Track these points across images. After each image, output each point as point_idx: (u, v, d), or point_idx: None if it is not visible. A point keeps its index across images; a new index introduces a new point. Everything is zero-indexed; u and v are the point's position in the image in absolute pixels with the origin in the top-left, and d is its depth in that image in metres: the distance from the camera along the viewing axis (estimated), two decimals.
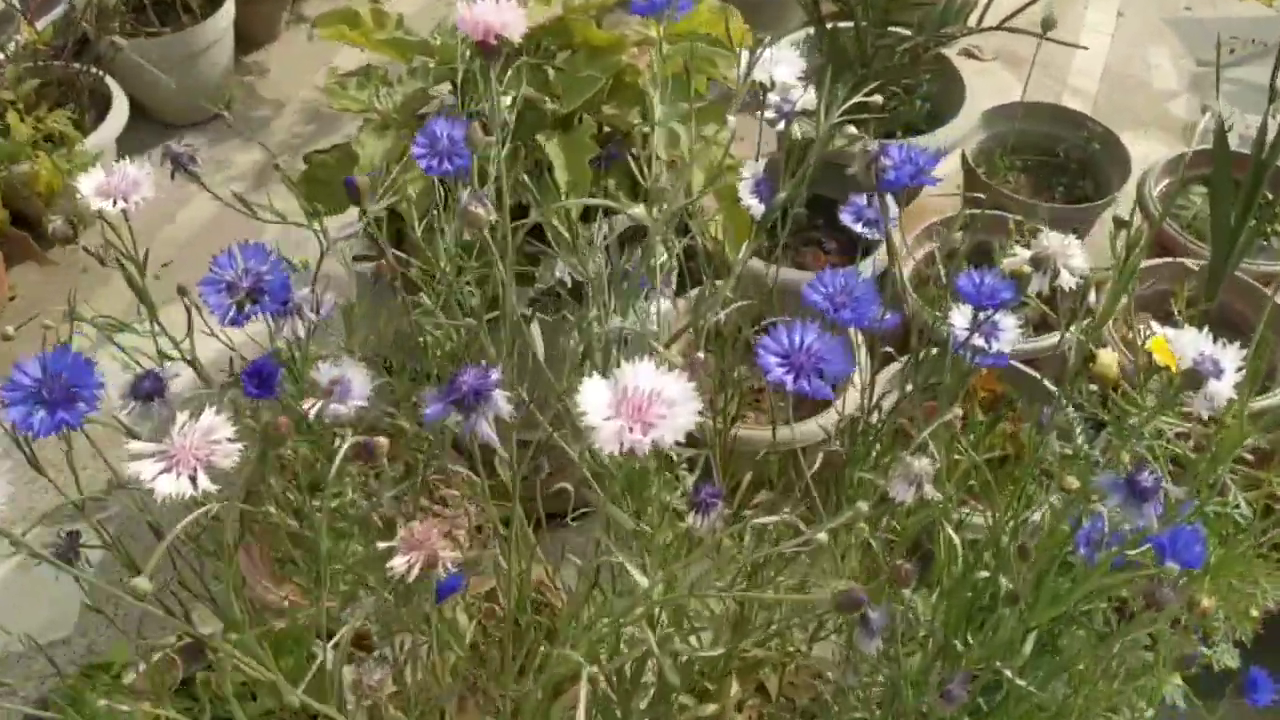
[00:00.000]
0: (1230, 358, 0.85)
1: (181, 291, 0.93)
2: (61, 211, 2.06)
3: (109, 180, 0.95)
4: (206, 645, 0.75)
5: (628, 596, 0.90)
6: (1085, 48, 2.54)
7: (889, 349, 1.23)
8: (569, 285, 1.37)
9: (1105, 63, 2.91)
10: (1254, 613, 1.18)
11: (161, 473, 0.70)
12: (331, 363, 0.90)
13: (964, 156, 2.28)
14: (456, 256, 1.10)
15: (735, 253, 1.47)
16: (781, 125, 1.16)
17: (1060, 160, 2.36)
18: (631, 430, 0.66)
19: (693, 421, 0.66)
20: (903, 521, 1.12)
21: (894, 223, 1.11)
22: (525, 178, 1.07)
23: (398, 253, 1.37)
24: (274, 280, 0.86)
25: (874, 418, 1.17)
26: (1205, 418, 0.87)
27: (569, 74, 1.59)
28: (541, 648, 0.92)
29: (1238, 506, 1.05)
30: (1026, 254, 0.93)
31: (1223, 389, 0.84)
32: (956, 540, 0.99)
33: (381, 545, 0.77)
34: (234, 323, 0.87)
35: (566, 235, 1.05)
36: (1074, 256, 0.92)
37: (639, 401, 0.67)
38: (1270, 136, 1.83)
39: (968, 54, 2.82)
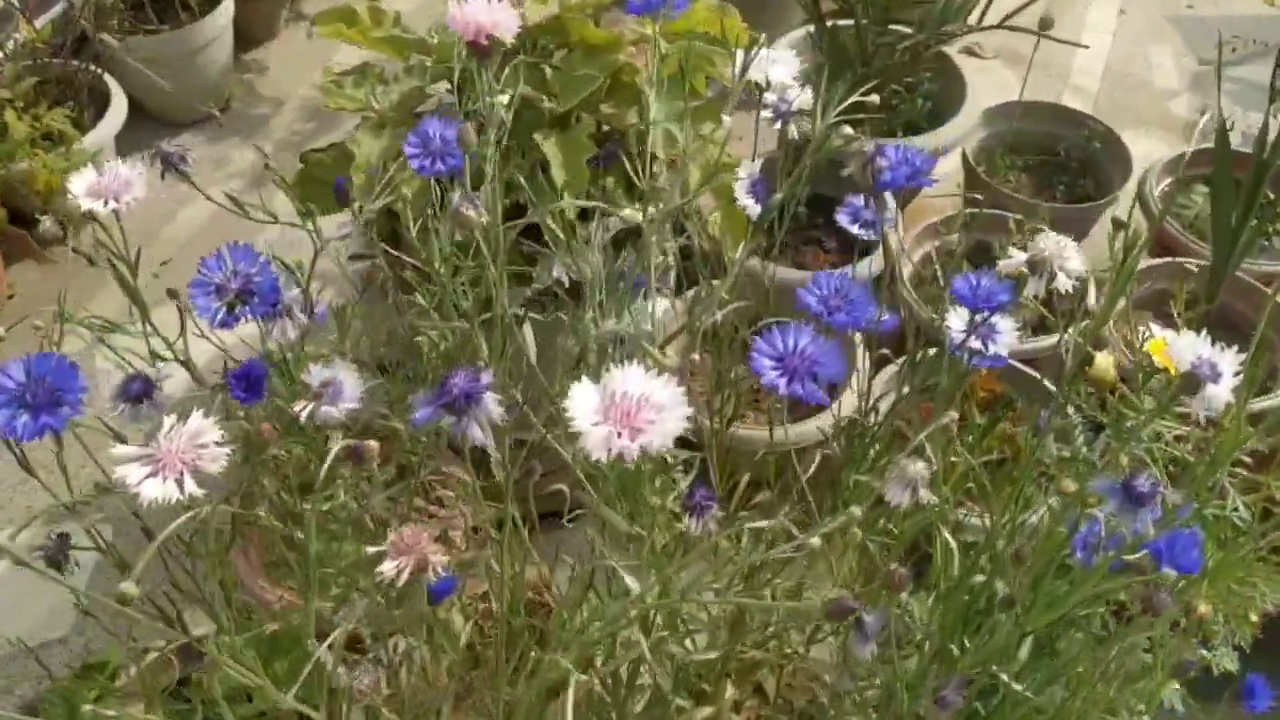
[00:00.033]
0: (1228, 361, 0.85)
1: (172, 294, 0.93)
2: (59, 210, 2.05)
3: (100, 180, 0.95)
4: (196, 647, 0.74)
5: (621, 599, 0.89)
6: (1086, 46, 2.53)
7: (885, 350, 1.22)
8: (566, 285, 1.36)
9: (1107, 61, 2.90)
10: (1253, 616, 1.18)
11: (148, 477, 0.70)
12: (323, 365, 0.89)
13: (964, 155, 2.27)
14: (452, 257, 1.09)
15: (733, 252, 1.46)
16: (779, 125, 1.15)
17: (1061, 159, 2.35)
18: (620, 436, 0.65)
19: (681, 427, 0.66)
20: (899, 524, 1.11)
21: (891, 223, 1.10)
22: (520, 178, 1.06)
23: (395, 252, 1.36)
24: (263, 282, 0.86)
25: (871, 419, 1.16)
26: (1203, 421, 0.86)
27: (566, 73, 1.58)
28: (533, 653, 0.91)
29: (1236, 510, 1.05)
30: (1023, 257, 0.93)
31: (1221, 393, 0.84)
32: (953, 544, 0.98)
33: (371, 549, 0.76)
34: (223, 325, 0.86)
35: (561, 235, 1.04)
36: (1070, 259, 0.92)
37: (627, 406, 0.66)
38: (1271, 136, 1.82)
39: (969, 52, 2.81)
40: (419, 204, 1.25)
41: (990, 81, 2.67)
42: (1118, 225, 1.04)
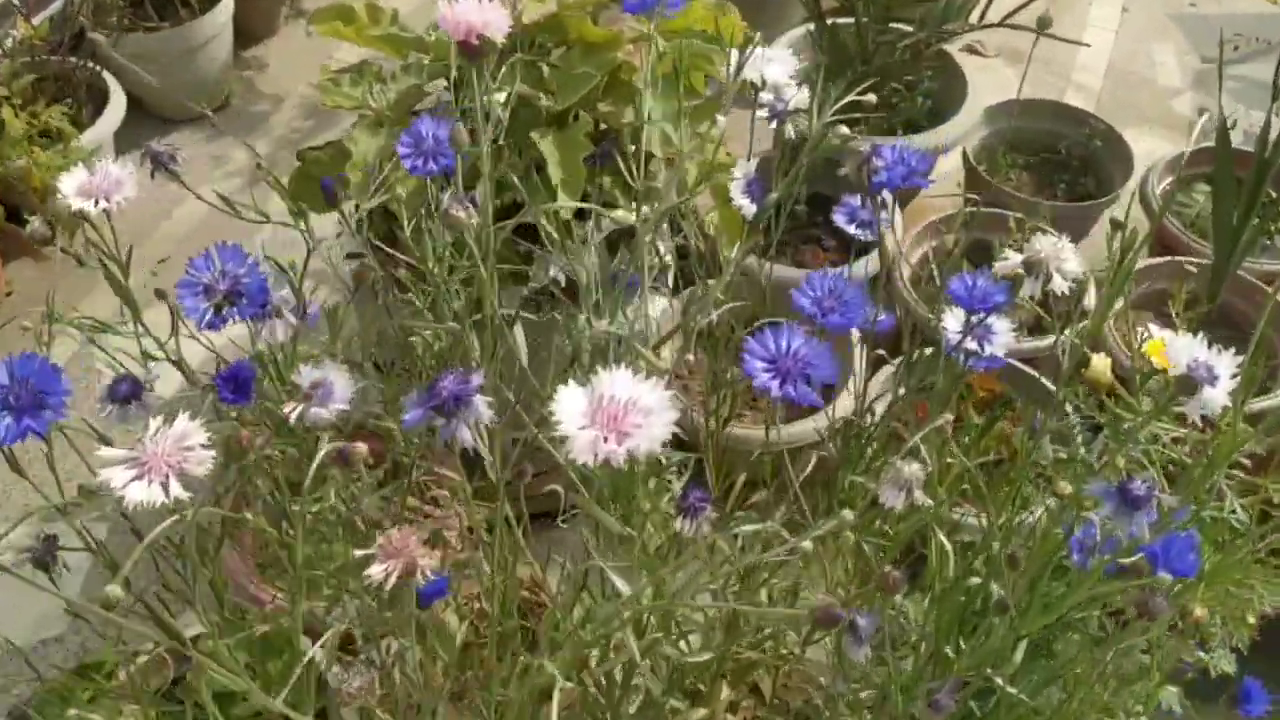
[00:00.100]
0: (1225, 364, 0.84)
1: (160, 295, 0.92)
2: (48, 209, 2.05)
3: (90, 180, 0.94)
4: (186, 649, 0.74)
5: (614, 601, 0.89)
6: (1087, 44, 2.52)
7: (881, 351, 1.22)
8: (563, 284, 1.35)
9: (1109, 59, 2.89)
10: (1250, 619, 1.17)
11: (133, 479, 0.69)
12: (313, 365, 0.88)
13: (965, 154, 2.26)
14: (446, 256, 1.08)
15: (729, 251, 1.46)
16: (776, 125, 1.15)
17: (1062, 157, 2.34)
18: (606, 440, 0.64)
19: (669, 432, 0.65)
20: (895, 526, 1.10)
21: (888, 223, 1.09)
22: (514, 177, 1.05)
23: (391, 251, 1.36)
24: (251, 283, 0.85)
25: (867, 420, 1.16)
26: (1199, 423, 0.85)
27: (564, 71, 1.57)
28: (522, 657, 0.90)
29: (1234, 512, 1.04)
30: (1018, 258, 0.92)
31: (1217, 396, 0.83)
32: (948, 546, 0.97)
33: (359, 553, 0.75)
34: (211, 326, 0.85)
35: (555, 235, 1.04)
36: (1067, 260, 0.91)
37: (615, 410, 0.65)
38: (1273, 134, 1.81)
39: (971, 50, 2.81)
40: (415, 203, 1.24)
41: (992, 79, 2.67)
42: (1116, 225, 1.04)
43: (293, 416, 0.86)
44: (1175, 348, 0.83)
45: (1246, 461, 1.05)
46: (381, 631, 1.00)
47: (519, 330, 0.91)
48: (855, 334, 1.54)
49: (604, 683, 1.14)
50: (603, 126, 1.61)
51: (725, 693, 1.26)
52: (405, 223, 1.20)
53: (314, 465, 0.72)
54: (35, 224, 0.92)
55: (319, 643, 0.88)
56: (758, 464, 1.35)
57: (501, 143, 1.06)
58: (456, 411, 0.76)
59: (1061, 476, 1.02)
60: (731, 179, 1.08)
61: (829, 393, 1.82)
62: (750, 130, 1.11)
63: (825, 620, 0.66)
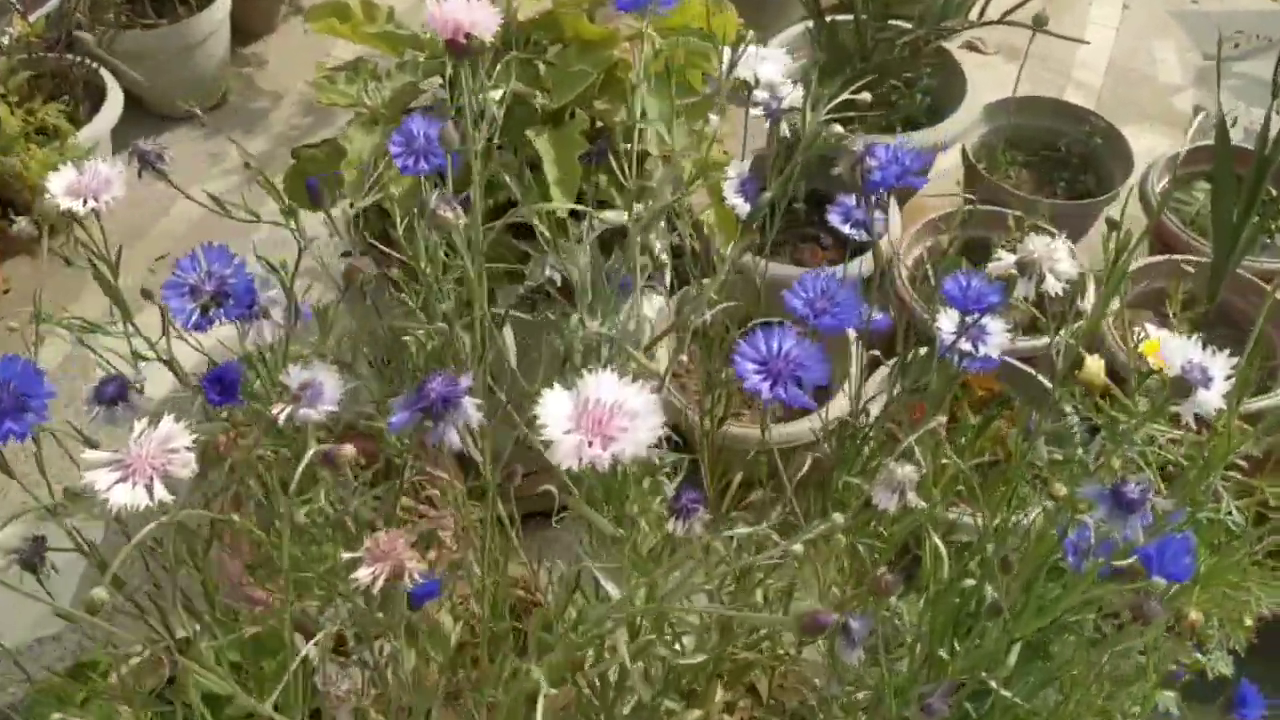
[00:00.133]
0: (1220, 365, 0.83)
1: (147, 295, 0.91)
2: (35, 208, 2.04)
3: (79, 179, 0.93)
4: (160, 653, 0.73)
5: (605, 603, 0.88)
6: (1087, 42, 2.51)
7: (875, 351, 1.21)
8: (559, 283, 1.35)
9: (1110, 56, 2.88)
10: (1248, 621, 1.16)
11: (117, 482, 0.69)
12: (302, 366, 0.88)
13: (964, 151, 2.25)
14: (440, 255, 1.08)
15: (725, 249, 1.45)
16: (771, 123, 1.14)
17: (1062, 155, 2.33)
18: (591, 444, 0.64)
19: (655, 436, 0.65)
20: (889, 528, 1.10)
21: (883, 222, 1.09)
22: (505, 176, 1.04)
23: (386, 250, 1.35)
24: (238, 284, 0.85)
25: (861, 420, 1.15)
26: (1193, 424, 0.84)
27: (560, 69, 1.57)
28: (509, 661, 0.90)
29: (1230, 514, 1.03)
30: (1012, 259, 0.91)
31: (1211, 398, 0.82)
32: (943, 549, 0.97)
33: (346, 555, 0.75)
34: (198, 328, 0.85)
35: (547, 234, 1.03)
36: (1060, 261, 0.90)
37: (600, 414, 0.65)
38: (1273, 132, 1.80)
39: (970, 47, 2.80)
40: (409, 202, 1.23)
41: (992, 77, 2.65)
42: (1111, 225, 1.03)
43: (281, 417, 0.85)
44: (1169, 349, 0.82)
45: (1243, 463, 1.04)
46: (374, 632, 1.00)
47: (508, 331, 0.91)
48: (852, 334, 1.54)
49: (598, 684, 1.14)
50: (599, 124, 1.60)
51: (720, 694, 1.25)
52: (398, 221, 1.19)
53: (300, 468, 0.72)
54: (21, 224, 0.91)
55: (311, 643, 0.87)
56: (755, 463, 1.35)
57: (496, 141, 1.06)
58: (445, 414, 0.76)
59: (1057, 478, 1.01)
60: (725, 179, 1.07)
61: (827, 393, 1.81)
62: (744, 129, 1.10)
63: (811, 628, 0.65)
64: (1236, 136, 2.15)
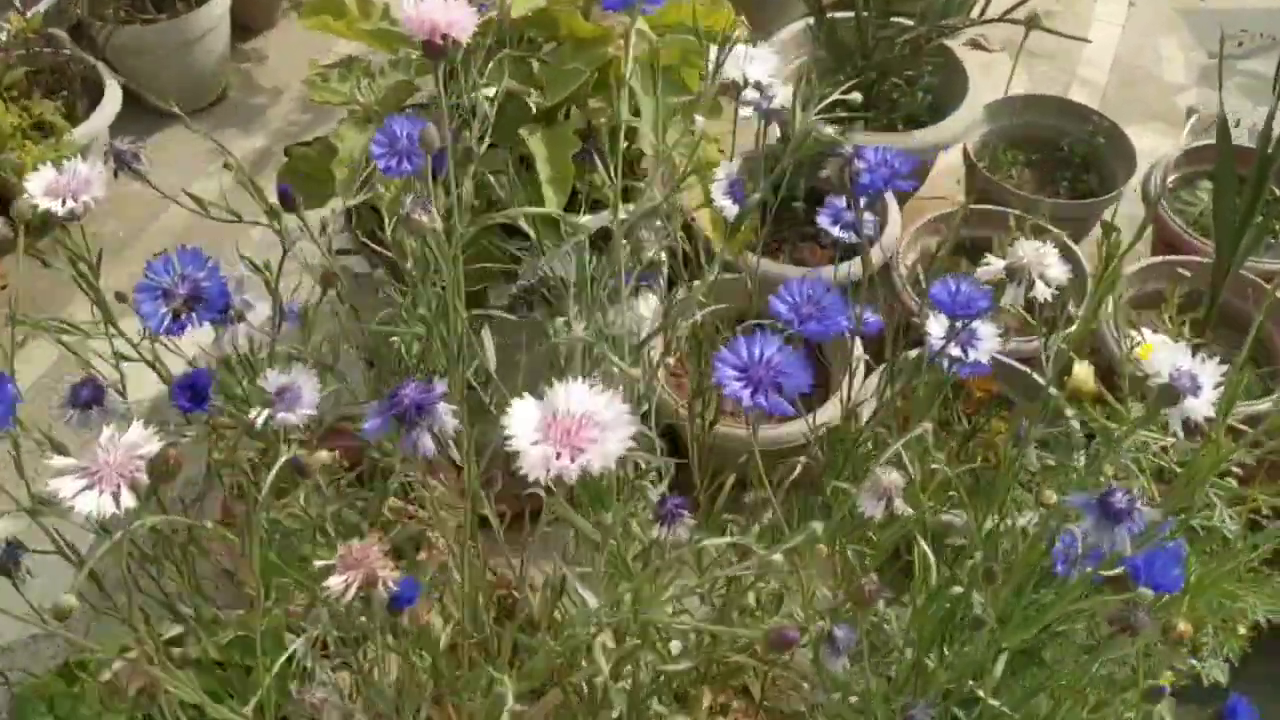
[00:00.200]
0: (1209, 373, 0.82)
1: (120, 298, 0.90)
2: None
3: (58, 179, 0.93)
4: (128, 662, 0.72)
5: (584, 611, 0.87)
6: (1089, 41, 2.49)
7: (866, 357, 1.20)
8: (551, 284, 1.33)
9: (1115, 54, 2.86)
10: (1241, 629, 1.15)
11: (84, 490, 0.68)
12: (280, 369, 0.86)
13: (965, 151, 2.23)
14: (425, 256, 1.07)
15: (718, 249, 1.44)
16: (767, 122, 1.12)
17: (1064, 154, 2.31)
18: (559, 456, 0.62)
19: (624, 447, 0.63)
20: (879, 533, 1.09)
21: (873, 224, 1.07)
22: (490, 177, 1.03)
23: (379, 249, 1.33)
24: (211, 287, 0.83)
25: (851, 425, 1.14)
26: (1180, 433, 0.83)
27: (554, 66, 1.55)
28: (482, 673, 0.89)
29: (1223, 522, 1.02)
30: (1001, 264, 0.90)
31: (1200, 405, 0.81)
32: (931, 558, 0.95)
33: (319, 563, 0.74)
34: (170, 332, 0.84)
35: (533, 234, 1.02)
36: (1050, 266, 0.89)
37: (569, 424, 0.63)
38: (1276, 131, 1.78)
39: (975, 45, 2.77)
40: (398, 203, 1.22)
41: (995, 75, 2.64)
42: (1107, 230, 1.02)
43: (259, 422, 0.84)
44: (1158, 357, 0.81)
45: (1238, 470, 1.03)
46: (355, 636, 0.99)
47: (486, 335, 0.89)
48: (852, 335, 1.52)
49: (585, 689, 1.13)
50: (593, 123, 1.59)
51: (708, 698, 1.24)
52: (387, 222, 1.18)
53: (271, 475, 0.71)
54: None
55: (290, 649, 0.87)
56: (748, 464, 1.33)
57: (489, 140, 1.04)
58: (419, 420, 0.75)
59: (1048, 484, 1.00)
60: (714, 180, 1.06)
61: (826, 393, 1.80)
62: (733, 129, 1.09)
63: (778, 644, 0.64)
64: (1241, 136, 2.14)
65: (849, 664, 0.92)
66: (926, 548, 0.97)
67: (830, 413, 1.58)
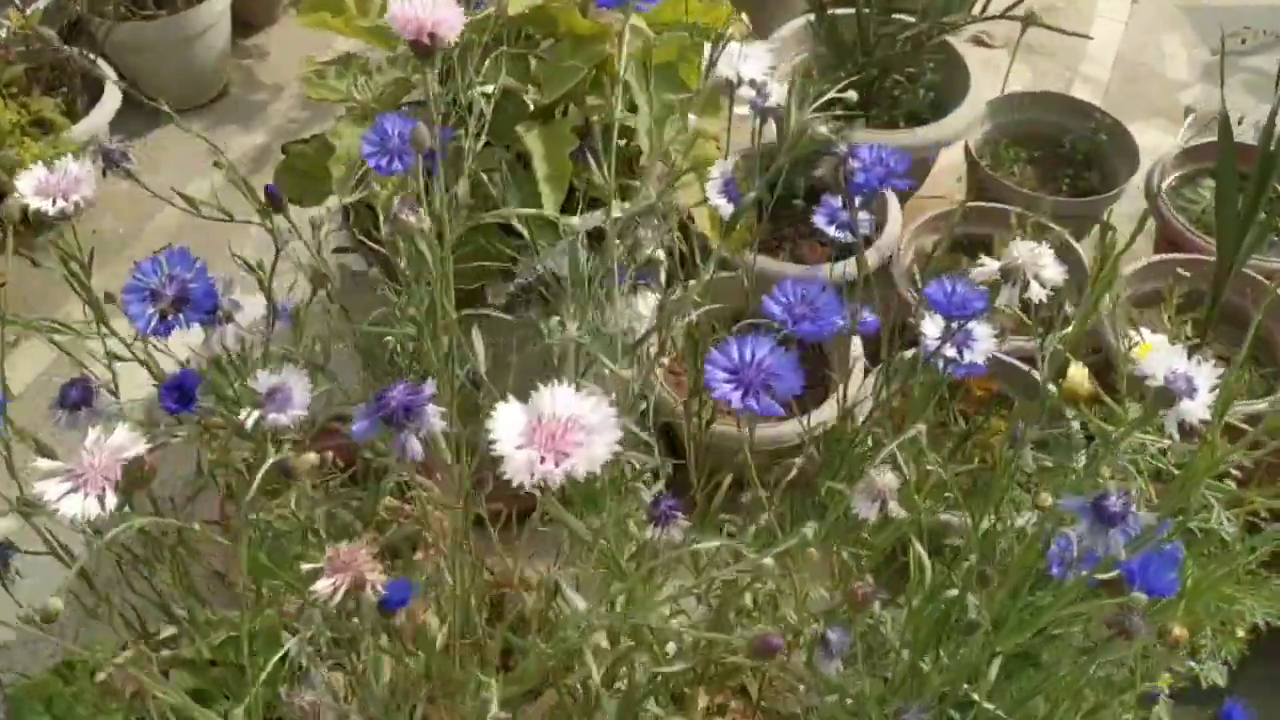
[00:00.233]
0: (1205, 375, 0.81)
1: (109, 298, 0.90)
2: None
3: (48, 178, 0.92)
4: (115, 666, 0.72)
5: (575, 614, 0.87)
6: (1091, 37, 2.48)
7: (863, 359, 1.19)
8: (547, 283, 1.33)
9: (1118, 50, 2.85)
10: (1240, 632, 1.14)
11: (68, 493, 0.67)
12: (271, 370, 0.86)
13: (967, 148, 2.23)
14: (418, 254, 1.06)
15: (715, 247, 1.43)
16: (763, 120, 1.12)
17: (1066, 152, 2.30)
18: (544, 460, 0.62)
19: (610, 452, 0.63)
20: (874, 535, 1.08)
21: (869, 223, 1.07)
22: (484, 176, 1.03)
23: (376, 247, 1.33)
24: (198, 288, 0.83)
25: (848, 425, 1.13)
26: (1175, 435, 0.82)
27: (551, 64, 1.55)
28: (472, 677, 0.88)
29: (1221, 524, 1.01)
30: (995, 265, 0.89)
31: (1196, 408, 0.80)
32: (926, 560, 0.95)
33: (306, 566, 0.73)
34: (157, 333, 0.83)
35: (527, 234, 1.01)
36: (1045, 267, 0.88)
37: (554, 428, 0.63)
38: (1278, 129, 1.76)
39: (978, 41, 2.77)
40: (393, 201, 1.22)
41: (997, 72, 2.63)
42: (1105, 230, 1.01)
43: (249, 423, 0.84)
44: (1153, 359, 0.80)
45: (1236, 472, 1.02)
46: (347, 637, 0.98)
47: (477, 335, 0.89)
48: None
49: (580, 691, 1.13)
50: (592, 120, 1.58)
51: (704, 699, 1.24)
52: (381, 220, 1.17)
53: (257, 477, 0.70)
54: None
55: (279, 653, 0.86)
56: (744, 463, 1.33)
57: (485, 137, 1.04)
58: (406, 422, 0.74)
59: (1045, 486, 0.99)
60: (709, 179, 1.05)
61: (825, 392, 1.79)
62: (728, 128, 1.08)
63: (761, 651, 0.64)
64: (1245, 133, 2.12)
65: (843, 667, 0.91)
66: (921, 550, 0.96)
67: (829, 412, 1.57)
